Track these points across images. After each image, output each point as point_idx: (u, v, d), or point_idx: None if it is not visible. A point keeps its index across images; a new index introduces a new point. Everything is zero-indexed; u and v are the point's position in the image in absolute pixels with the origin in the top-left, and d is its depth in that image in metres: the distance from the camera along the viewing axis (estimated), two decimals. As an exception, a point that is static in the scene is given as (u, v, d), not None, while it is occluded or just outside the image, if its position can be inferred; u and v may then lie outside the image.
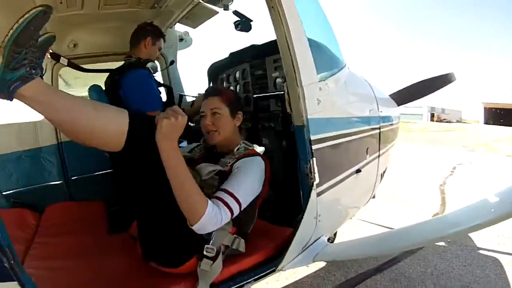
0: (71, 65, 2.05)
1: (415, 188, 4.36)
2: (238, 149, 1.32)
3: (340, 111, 1.48)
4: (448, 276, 2.21)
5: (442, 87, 2.41)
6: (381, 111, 1.98)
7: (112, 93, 1.77)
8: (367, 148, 1.77)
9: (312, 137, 1.28)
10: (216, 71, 2.33)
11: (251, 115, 1.88)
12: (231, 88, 2.18)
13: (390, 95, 2.59)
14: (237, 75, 2.10)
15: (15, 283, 0.86)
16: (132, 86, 1.60)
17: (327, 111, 1.37)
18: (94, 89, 1.82)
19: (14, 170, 2.03)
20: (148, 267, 1.23)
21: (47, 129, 2.18)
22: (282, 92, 1.43)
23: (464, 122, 40.92)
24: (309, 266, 2.40)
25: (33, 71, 0.84)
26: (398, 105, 2.59)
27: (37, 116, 2.12)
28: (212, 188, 1.20)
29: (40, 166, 2.14)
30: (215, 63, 2.32)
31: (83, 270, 1.30)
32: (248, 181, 1.20)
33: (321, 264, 2.45)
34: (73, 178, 2.24)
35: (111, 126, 0.95)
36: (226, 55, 2.19)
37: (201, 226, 1.03)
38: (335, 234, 2.61)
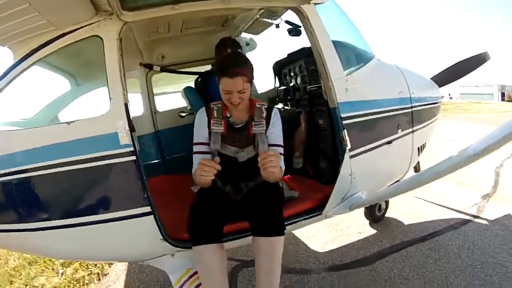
0: (165, 70, 2.74)
1: (472, 169, 4.24)
2: (259, 109, 1.61)
3: (366, 95, 1.92)
4: (483, 252, 2.32)
5: (477, 67, 2.56)
6: (413, 93, 2.31)
7: (203, 92, 2.46)
8: (398, 124, 2.14)
9: (343, 115, 1.78)
10: (280, 67, 2.88)
11: (308, 101, 2.28)
12: (293, 80, 2.62)
13: (432, 77, 2.83)
14: (296, 70, 2.56)
15: (148, 207, 1.50)
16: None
17: (354, 96, 1.85)
18: (188, 89, 2.52)
19: None
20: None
21: (146, 121, 2.80)
22: None
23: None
24: (361, 233, 2.81)
25: None
26: (440, 86, 2.82)
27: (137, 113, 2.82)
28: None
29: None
30: (278, 61, 2.86)
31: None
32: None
33: (372, 231, 2.82)
34: (167, 157, 2.88)
35: None
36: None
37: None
38: (387, 204, 2.96)
